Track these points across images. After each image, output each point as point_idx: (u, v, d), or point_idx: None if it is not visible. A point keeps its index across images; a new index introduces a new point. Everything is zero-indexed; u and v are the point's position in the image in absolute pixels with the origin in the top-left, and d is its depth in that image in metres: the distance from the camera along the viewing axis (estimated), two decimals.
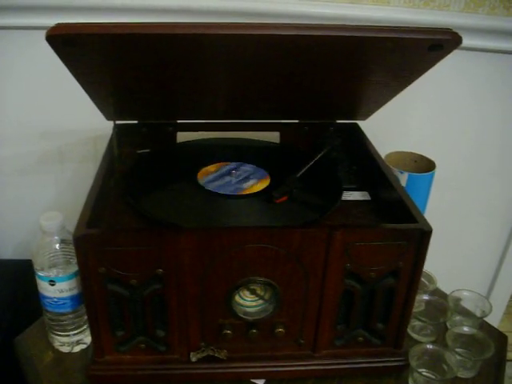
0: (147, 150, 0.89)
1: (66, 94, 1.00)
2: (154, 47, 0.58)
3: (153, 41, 0.56)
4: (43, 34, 0.53)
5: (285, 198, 0.73)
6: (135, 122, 0.89)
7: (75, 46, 0.55)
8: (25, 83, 1.07)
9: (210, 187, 0.75)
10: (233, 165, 0.82)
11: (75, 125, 1.12)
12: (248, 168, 0.82)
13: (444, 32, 0.59)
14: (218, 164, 0.82)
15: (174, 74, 0.68)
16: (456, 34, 0.59)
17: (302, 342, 0.76)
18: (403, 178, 0.91)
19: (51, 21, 0.55)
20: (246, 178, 0.79)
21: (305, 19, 1.00)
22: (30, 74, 1.05)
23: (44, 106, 1.09)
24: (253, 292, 0.72)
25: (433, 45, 0.59)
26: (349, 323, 0.75)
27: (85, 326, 0.81)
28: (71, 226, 0.65)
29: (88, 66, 0.62)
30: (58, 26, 0.53)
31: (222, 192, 0.74)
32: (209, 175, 0.79)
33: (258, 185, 0.77)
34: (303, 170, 0.78)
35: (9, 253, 1.29)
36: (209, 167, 0.81)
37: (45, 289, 0.77)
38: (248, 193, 0.75)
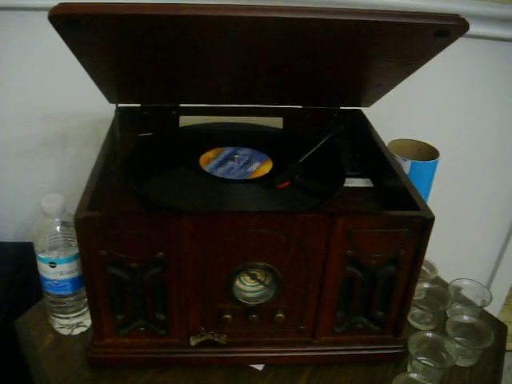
0: (149, 134, 0.88)
1: (67, 77, 0.99)
2: (159, 28, 0.57)
3: (157, 21, 0.55)
4: (45, 14, 0.52)
5: (287, 184, 0.73)
6: (138, 105, 0.89)
7: (78, 26, 0.54)
8: (26, 66, 1.06)
9: (217, 173, 0.75)
10: (232, 149, 0.82)
11: (77, 108, 1.12)
12: (247, 152, 0.81)
13: (451, 18, 0.58)
14: (216, 149, 0.82)
15: (178, 56, 0.67)
16: (463, 19, 0.58)
17: (302, 327, 0.76)
18: (406, 166, 0.91)
19: (53, 1, 0.54)
20: (249, 162, 0.78)
21: (311, 3, 0.99)
22: (32, 56, 1.05)
23: (45, 89, 1.08)
24: (253, 277, 0.71)
25: (439, 30, 0.59)
26: (349, 310, 0.75)
27: (85, 309, 0.82)
28: (72, 209, 0.65)
29: (91, 48, 0.61)
30: (61, 5, 0.52)
31: (227, 177, 0.74)
32: (211, 161, 0.78)
33: (262, 167, 0.77)
34: (306, 156, 0.78)
35: (10, 235, 1.29)
36: (208, 153, 0.80)
37: (45, 271, 0.77)
38: (253, 177, 0.75)
